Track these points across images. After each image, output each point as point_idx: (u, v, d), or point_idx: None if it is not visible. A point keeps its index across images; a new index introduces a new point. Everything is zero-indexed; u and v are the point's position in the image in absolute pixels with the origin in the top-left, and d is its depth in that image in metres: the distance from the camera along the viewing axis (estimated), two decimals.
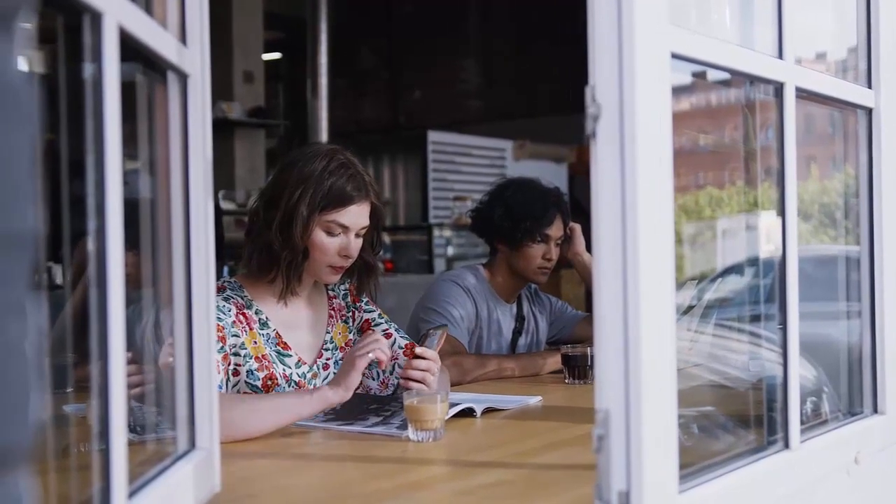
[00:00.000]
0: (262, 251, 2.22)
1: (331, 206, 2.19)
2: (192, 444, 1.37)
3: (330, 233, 2.20)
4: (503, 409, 2.24)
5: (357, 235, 2.24)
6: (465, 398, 2.18)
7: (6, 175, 0.54)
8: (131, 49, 1.11)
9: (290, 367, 2.24)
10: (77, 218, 1.06)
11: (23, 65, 0.57)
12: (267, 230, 2.20)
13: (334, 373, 2.31)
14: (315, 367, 2.31)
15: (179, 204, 1.36)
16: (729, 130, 2.04)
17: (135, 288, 1.30)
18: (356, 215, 2.22)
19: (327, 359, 2.35)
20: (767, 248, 1.92)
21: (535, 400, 2.37)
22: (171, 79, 1.34)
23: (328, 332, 2.37)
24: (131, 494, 1.08)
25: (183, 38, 1.35)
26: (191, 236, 1.37)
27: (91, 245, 1.01)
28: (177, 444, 1.36)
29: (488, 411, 2.20)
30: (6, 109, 0.55)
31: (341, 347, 2.37)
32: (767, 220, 1.89)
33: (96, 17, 1.00)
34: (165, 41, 1.25)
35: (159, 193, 1.37)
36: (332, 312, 2.40)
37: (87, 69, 1.02)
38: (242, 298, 2.23)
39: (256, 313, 2.24)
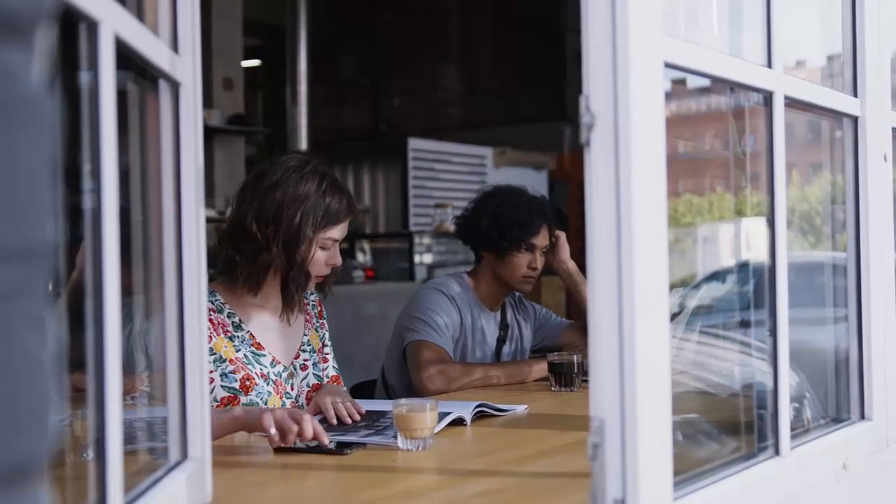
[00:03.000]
0: (262, 269, 2.26)
1: (330, 224, 2.29)
2: (185, 454, 1.36)
3: (323, 248, 2.30)
4: (495, 415, 2.25)
5: (340, 245, 2.36)
6: (454, 406, 2.18)
7: (27, 186, 0.54)
8: (124, 57, 1.11)
9: (265, 367, 2.29)
10: (66, 226, 1.05)
11: (42, 75, 0.57)
12: (265, 251, 2.24)
13: (313, 374, 2.41)
14: (292, 367, 2.37)
15: (171, 212, 1.35)
16: (709, 138, 2.06)
17: (123, 296, 1.29)
18: (345, 228, 2.35)
19: (305, 360, 2.41)
20: (749, 255, 1.94)
21: (522, 408, 2.37)
22: (163, 87, 1.33)
23: (305, 335, 2.44)
24: None
25: (175, 46, 1.35)
26: (183, 245, 1.36)
27: (87, 254, 1.00)
28: (169, 454, 1.35)
29: (479, 417, 2.20)
30: (28, 121, 0.54)
31: (318, 351, 2.45)
32: (748, 227, 1.90)
33: (92, 26, 0.99)
34: (159, 50, 1.24)
35: (150, 201, 1.36)
36: (308, 317, 2.47)
37: (83, 77, 1.02)
38: (213, 303, 2.27)
39: (229, 316, 2.29)
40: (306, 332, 2.44)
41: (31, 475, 0.54)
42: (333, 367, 2.52)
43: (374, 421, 2.14)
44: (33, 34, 0.56)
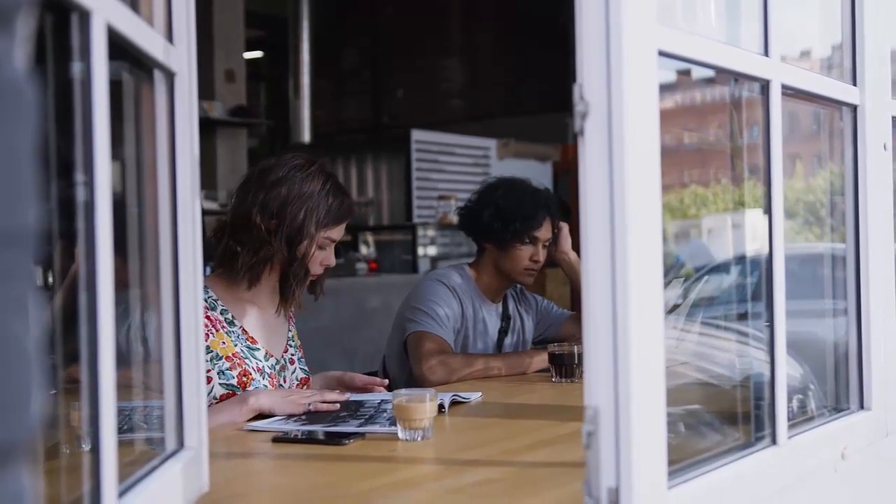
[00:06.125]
0: (262, 262, 2.30)
1: (331, 224, 2.33)
2: (181, 443, 1.37)
3: (321, 247, 2.34)
4: (463, 402, 2.31)
5: (336, 246, 2.40)
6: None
7: (9, 172, 0.54)
8: (117, 47, 1.11)
9: (260, 361, 2.33)
10: (61, 218, 1.05)
11: (24, 62, 0.57)
12: (268, 245, 2.26)
13: (300, 368, 2.47)
14: (283, 360, 2.42)
15: (166, 204, 1.35)
16: (713, 128, 2.05)
17: (120, 289, 1.30)
18: (343, 230, 2.39)
19: (292, 354, 2.47)
20: (753, 247, 1.93)
21: (475, 396, 2.40)
22: (158, 77, 1.33)
23: (290, 331, 2.49)
24: (121, 494, 1.08)
25: (170, 36, 1.35)
26: (178, 236, 1.36)
27: (80, 246, 1.01)
28: (165, 443, 1.35)
29: (454, 404, 2.26)
30: (9, 107, 0.55)
31: (299, 346, 2.51)
32: (752, 219, 1.90)
33: (84, 16, 0.99)
34: (153, 39, 1.24)
35: (146, 193, 1.36)
36: (292, 314, 2.51)
37: (75, 68, 1.02)
38: (206, 300, 2.28)
39: (222, 313, 2.32)
40: (290, 328, 2.50)
41: (12, 458, 0.54)
42: (303, 369, 2.53)
43: (355, 411, 2.15)
44: (15, 21, 0.56)
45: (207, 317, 2.26)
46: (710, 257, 2.11)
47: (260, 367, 2.31)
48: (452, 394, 2.31)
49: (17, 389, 0.55)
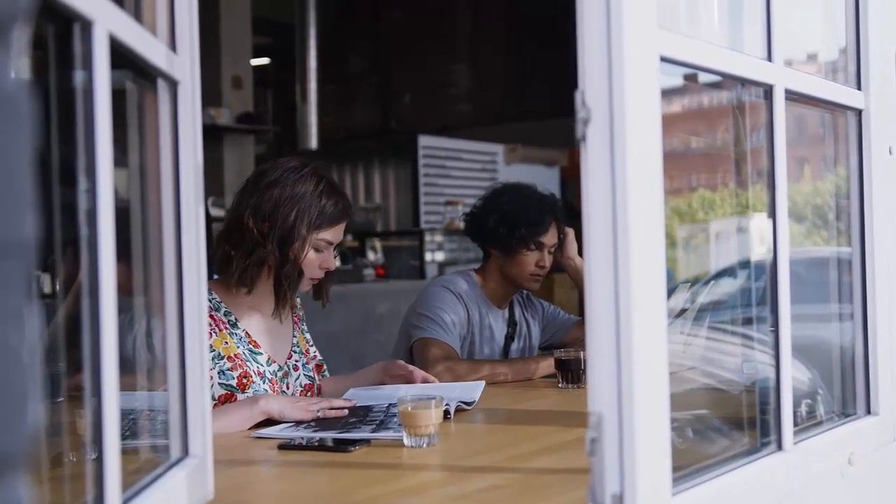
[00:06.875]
0: (256, 265, 2.29)
1: (324, 225, 2.32)
2: (186, 451, 1.37)
3: (317, 249, 2.33)
4: (467, 408, 2.30)
5: (335, 249, 2.39)
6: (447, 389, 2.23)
7: (7, 183, 0.54)
8: (121, 56, 1.11)
9: (262, 365, 2.33)
10: (67, 226, 1.05)
11: (20, 73, 0.57)
12: (261, 247, 2.26)
13: (304, 374, 2.46)
14: (286, 366, 2.41)
15: (170, 211, 1.36)
16: (721, 132, 2.05)
17: (125, 297, 1.30)
18: (341, 232, 2.38)
19: (296, 361, 2.46)
20: (760, 251, 1.93)
21: (479, 385, 2.44)
22: (161, 86, 1.34)
23: (294, 337, 2.48)
24: (125, 502, 1.08)
25: (173, 44, 1.35)
26: (182, 244, 1.36)
27: (83, 254, 1.01)
28: (170, 451, 1.35)
29: (459, 410, 2.25)
30: (6, 118, 0.55)
31: (304, 353, 2.50)
32: (760, 223, 1.89)
33: (87, 25, 0.99)
34: (155, 48, 1.25)
35: (150, 201, 1.37)
36: (296, 320, 2.52)
37: (77, 77, 1.02)
38: (210, 301, 2.29)
39: (225, 315, 2.32)
40: (295, 333, 2.49)
41: (9, 467, 0.54)
42: (306, 375, 2.53)
43: (364, 416, 2.15)
44: (10, 33, 0.56)
45: (211, 316, 2.26)
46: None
47: (261, 371, 2.31)
48: (457, 398, 2.30)
49: (13, 400, 0.55)
